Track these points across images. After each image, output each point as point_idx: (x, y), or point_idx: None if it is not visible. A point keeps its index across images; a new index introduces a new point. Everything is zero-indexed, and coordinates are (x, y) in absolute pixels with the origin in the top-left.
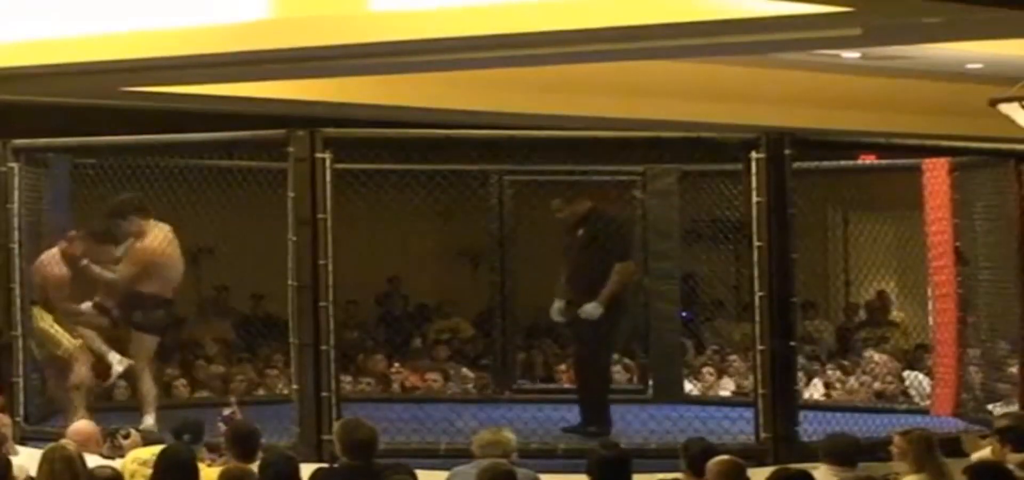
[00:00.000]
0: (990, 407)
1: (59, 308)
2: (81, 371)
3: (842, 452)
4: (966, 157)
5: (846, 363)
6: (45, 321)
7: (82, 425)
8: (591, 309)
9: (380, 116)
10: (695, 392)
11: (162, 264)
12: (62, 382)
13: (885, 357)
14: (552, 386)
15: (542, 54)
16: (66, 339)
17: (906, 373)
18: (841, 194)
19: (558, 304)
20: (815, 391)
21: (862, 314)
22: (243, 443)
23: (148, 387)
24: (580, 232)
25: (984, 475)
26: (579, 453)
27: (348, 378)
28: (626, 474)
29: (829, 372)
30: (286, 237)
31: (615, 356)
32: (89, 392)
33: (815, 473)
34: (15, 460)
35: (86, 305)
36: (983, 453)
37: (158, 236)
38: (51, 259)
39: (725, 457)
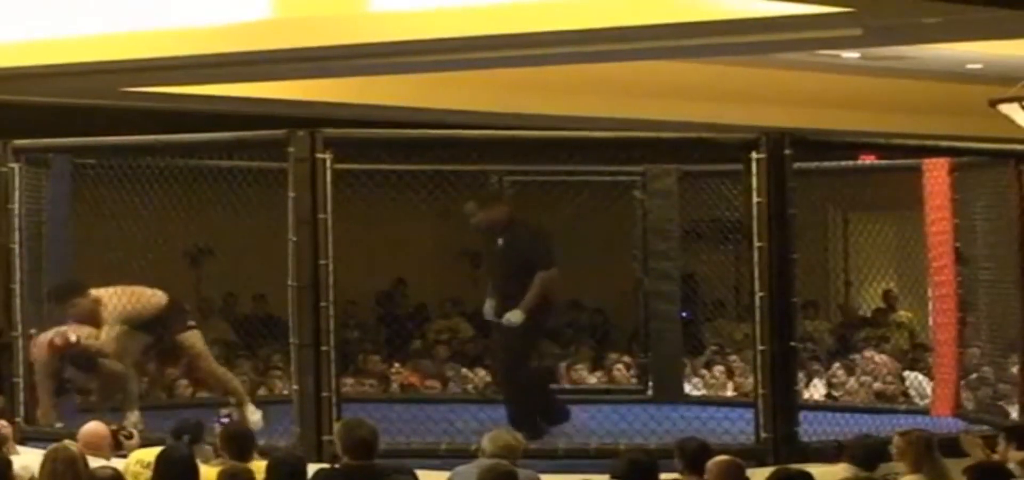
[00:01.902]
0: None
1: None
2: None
3: (865, 453)
4: (966, 157)
5: (847, 363)
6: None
7: (94, 427)
8: (513, 317)
9: (380, 116)
10: (697, 392)
11: (137, 311)
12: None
13: (885, 357)
14: (552, 386)
15: (542, 54)
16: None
17: (906, 373)
18: (841, 194)
19: (490, 303)
20: (815, 391)
21: (865, 311)
22: (237, 444)
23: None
24: (500, 241)
25: (984, 475)
26: (581, 453)
27: (350, 380)
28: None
29: (837, 372)
30: (286, 237)
31: (614, 355)
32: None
33: (830, 470)
34: (16, 460)
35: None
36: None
37: (115, 293)
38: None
39: (725, 457)
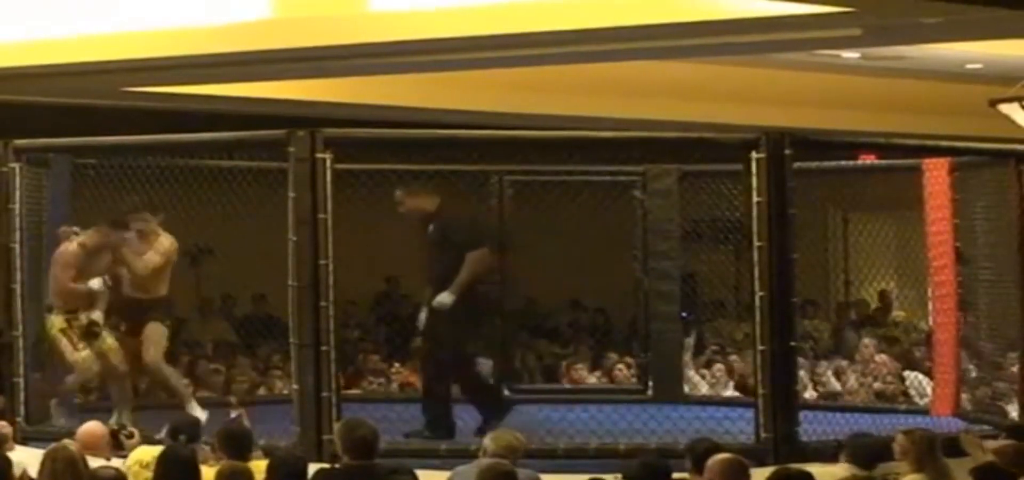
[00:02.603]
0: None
1: (64, 288)
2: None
3: (863, 452)
4: (966, 157)
5: (845, 363)
6: (55, 328)
7: (92, 426)
8: (443, 298)
9: (380, 116)
10: (701, 390)
11: (168, 265)
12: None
13: (885, 357)
14: (553, 386)
15: (542, 54)
16: (71, 351)
17: (906, 373)
18: (841, 194)
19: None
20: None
21: (853, 314)
22: (235, 443)
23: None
24: (430, 228)
25: (990, 476)
26: (581, 453)
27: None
28: None
29: (826, 374)
30: (286, 237)
31: (614, 355)
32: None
33: (830, 470)
34: (15, 458)
35: (95, 282)
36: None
37: (168, 238)
38: (66, 246)
39: (727, 455)
